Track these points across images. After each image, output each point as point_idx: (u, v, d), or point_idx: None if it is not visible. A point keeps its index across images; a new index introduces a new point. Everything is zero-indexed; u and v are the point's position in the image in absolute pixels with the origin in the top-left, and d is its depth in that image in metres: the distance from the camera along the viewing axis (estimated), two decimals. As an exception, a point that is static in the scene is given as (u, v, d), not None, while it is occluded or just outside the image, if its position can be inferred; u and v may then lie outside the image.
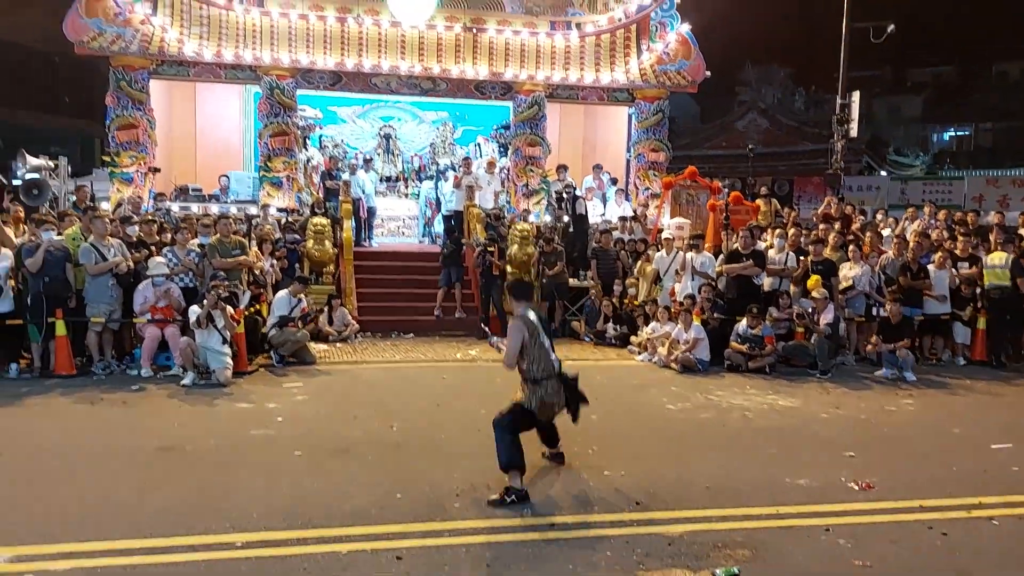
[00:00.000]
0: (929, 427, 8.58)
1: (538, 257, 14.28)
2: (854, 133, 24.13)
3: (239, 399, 9.11)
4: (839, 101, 23.46)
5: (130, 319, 10.61)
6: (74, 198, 14.17)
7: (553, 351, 6.37)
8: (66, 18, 15.55)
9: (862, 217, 15.93)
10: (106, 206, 14.78)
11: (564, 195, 15.84)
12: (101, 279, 10.29)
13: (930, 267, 12.48)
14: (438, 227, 18.17)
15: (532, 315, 6.36)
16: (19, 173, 14.25)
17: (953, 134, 48.36)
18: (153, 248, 11.37)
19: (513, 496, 5.92)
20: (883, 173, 32.51)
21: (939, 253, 12.63)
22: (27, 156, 14.14)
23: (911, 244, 12.83)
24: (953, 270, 12.55)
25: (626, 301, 13.96)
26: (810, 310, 11.72)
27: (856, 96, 23.68)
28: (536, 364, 6.19)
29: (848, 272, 12.53)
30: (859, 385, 10.67)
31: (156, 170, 16.13)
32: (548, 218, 17.00)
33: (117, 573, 4.75)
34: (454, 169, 18.96)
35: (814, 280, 11.83)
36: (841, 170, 23.66)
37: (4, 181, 14.39)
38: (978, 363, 12.27)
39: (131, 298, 10.52)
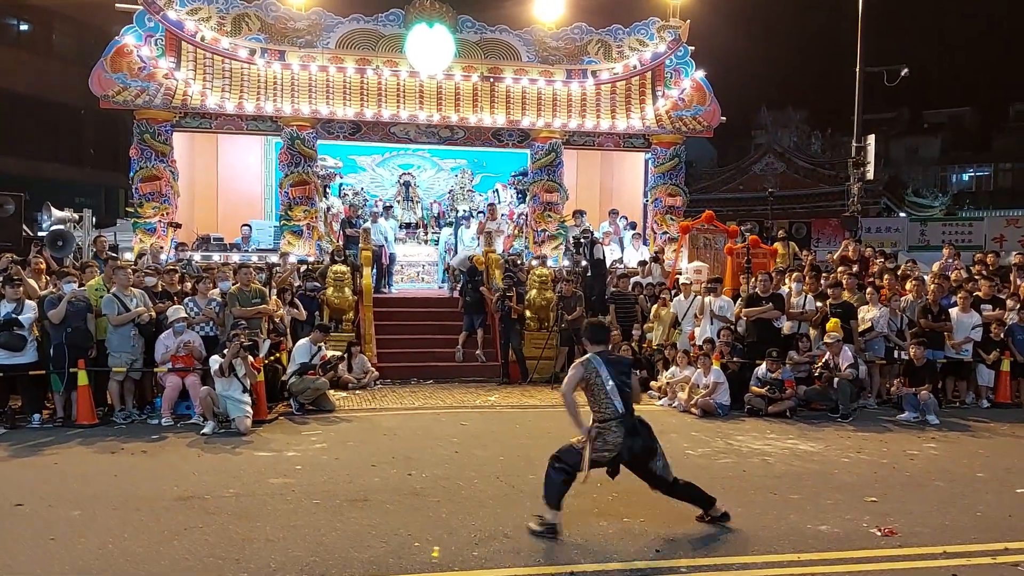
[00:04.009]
0: (953, 471, 8.44)
1: (557, 302, 14.31)
2: (870, 175, 24.14)
3: (259, 448, 9.13)
4: (854, 144, 23.52)
5: (151, 369, 10.71)
6: (94, 249, 14.41)
7: (621, 396, 6.32)
8: (92, 73, 15.97)
9: (881, 260, 15.88)
10: (129, 256, 15.00)
11: (582, 240, 15.91)
12: (123, 329, 10.41)
13: (952, 311, 12.39)
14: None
15: (601, 361, 6.38)
16: (44, 225, 14.55)
17: (972, 174, 48.29)
18: (175, 298, 11.51)
19: (545, 528, 6.16)
20: (902, 215, 32.44)
21: (960, 294, 12.52)
22: (52, 208, 14.44)
23: (931, 286, 12.76)
24: (976, 312, 12.43)
25: (645, 346, 13.93)
26: (827, 355, 11.65)
27: (871, 139, 23.72)
28: (597, 404, 6.32)
29: (866, 314, 12.46)
30: (881, 429, 10.55)
31: (177, 225, 16.38)
32: (566, 263, 17.07)
33: (135, 624, 4.75)
34: (471, 215, 19.14)
35: (833, 323, 11.77)
36: (858, 212, 23.63)
37: (30, 233, 14.67)
38: (1002, 406, 12.11)
39: (153, 348, 10.63)
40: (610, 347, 6.63)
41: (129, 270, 11.14)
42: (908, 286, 13.20)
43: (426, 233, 20.58)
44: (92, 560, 5.67)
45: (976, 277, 13.56)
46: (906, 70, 24.11)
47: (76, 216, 15.10)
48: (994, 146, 47.26)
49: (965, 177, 48.33)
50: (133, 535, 6.15)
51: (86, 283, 10.89)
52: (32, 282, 10.79)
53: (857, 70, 23.19)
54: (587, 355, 6.48)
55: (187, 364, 10.48)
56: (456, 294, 15.95)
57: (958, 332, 12.23)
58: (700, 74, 18.20)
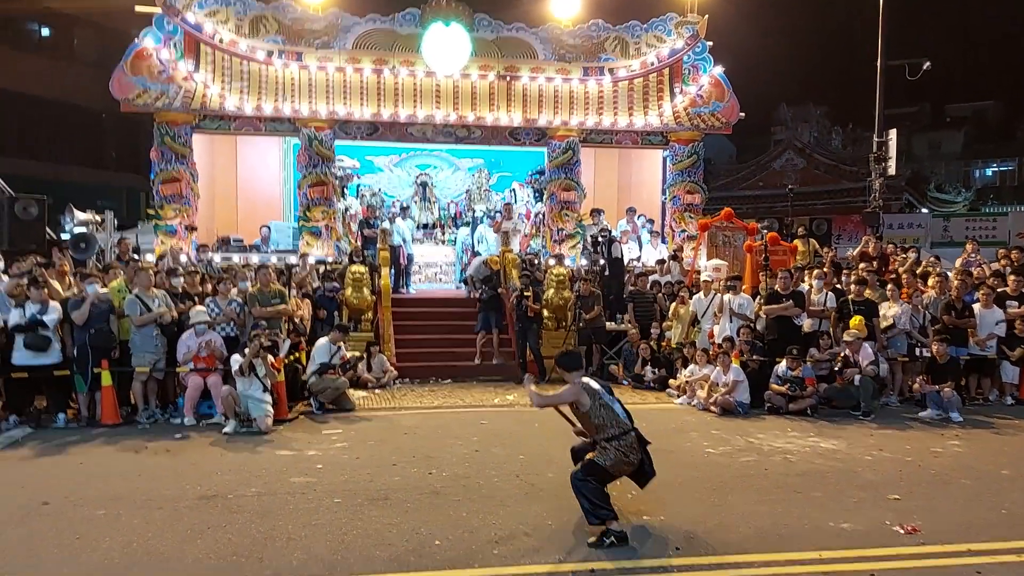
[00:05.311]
0: (977, 469, 8.36)
1: (575, 301, 14.28)
2: (892, 171, 23.91)
3: (280, 446, 9.19)
4: (876, 139, 23.30)
5: (174, 369, 10.80)
6: (117, 250, 14.53)
7: (624, 409, 6.28)
8: (112, 77, 16.12)
9: (904, 255, 15.75)
10: (150, 258, 15.13)
11: (599, 239, 15.88)
12: (146, 330, 10.51)
13: (975, 307, 12.26)
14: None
15: (591, 381, 6.31)
16: (67, 227, 14.70)
17: (996, 169, 47.76)
18: (196, 299, 11.59)
19: (612, 538, 5.90)
20: (924, 210, 32.13)
21: (983, 290, 12.39)
22: (75, 211, 14.58)
23: (954, 282, 12.63)
24: (998, 308, 12.29)
25: (663, 344, 13.89)
26: (846, 353, 11.55)
27: (893, 134, 23.47)
28: (606, 425, 6.12)
29: (888, 311, 12.37)
30: (903, 426, 10.46)
31: (193, 228, 16.50)
32: (584, 262, 17.04)
33: (159, 622, 4.79)
34: (492, 216, 19.15)
35: (856, 320, 11.68)
36: (880, 208, 23.41)
37: (53, 236, 14.81)
38: (1027, 403, 12.00)
39: (175, 348, 10.72)
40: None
41: (151, 271, 11.23)
42: (931, 282, 13.07)
43: (443, 233, 20.58)
44: (117, 558, 5.73)
45: (1001, 272, 13.40)
46: (928, 64, 23.86)
47: (98, 218, 15.23)
48: (1018, 140, 46.71)
49: (988, 172, 47.81)
50: (157, 534, 6.21)
51: (109, 285, 10.99)
52: (56, 283, 10.91)
53: (878, 64, 22.96)
54: (580, 381, 6.26)
55: (209, 364, 10.55)
56: (473, 294, 15.93)
57: (981, 328, 12.11)
58: (718, 70, 18.09)
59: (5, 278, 10.95)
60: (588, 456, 6.21)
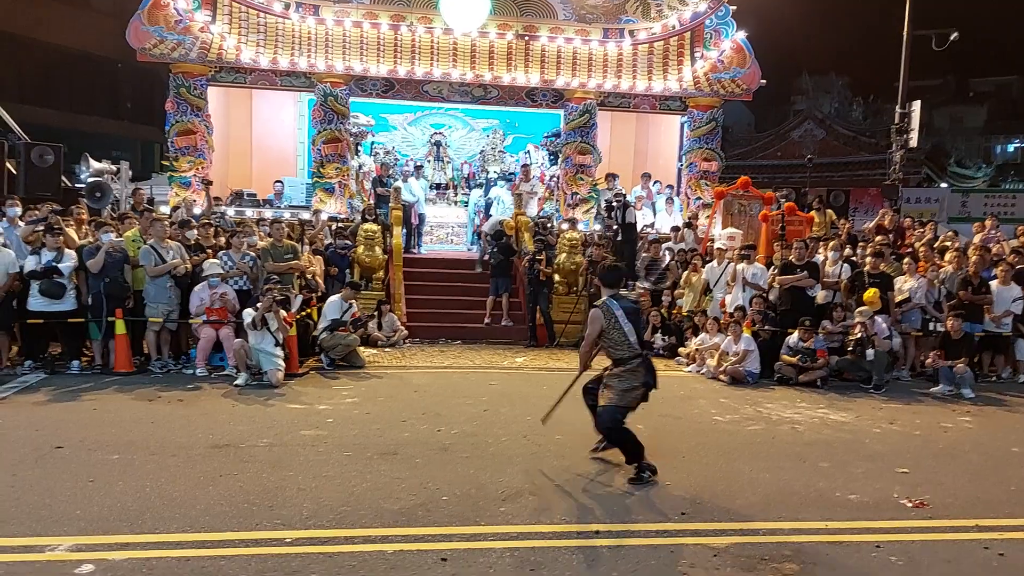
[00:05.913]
0: (987, 445, 8.34)
1: (587, 266, 14.24)
2: (914, 143, 23.46)
3: (290, 400, 9.25)
4: (899, 110, 22.92)
5: (187, 320, 10.85)
6: (132, 201, 14.54)
7: (637, 334, 6.75)
8: (129, 26, 16.03)
9: (921, 229, 15.60)
10: (165, 209, 15.14)
11: (614, 204, 15.77)
12: (160, 280, 10.55)
13: (992, 283, 12.15)
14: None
15: (616, 303, 6.70)
16: (83, 176, 14.71)
17: (1018, 145, 47.13)
18: (209, 251, 11.61)
19: (646, 472, 6.59)
20: (943, 185, 31.78)
21: (1001, 267, 12.26)
22: (90, 160, 14.57)
23: (972, 258, 12.51)
24: (1016, 285, 12.17)
25: (674, 312, 13.85)
26: (859, 326, 11.49)
27: (917, 105, 23.05)
28: (615, 347, 6.68)
29: (903, 285, 12.28)
30: (914, 401, 10.45)
31: (209, 182, 16.47)
32: (597, 226, 16.96)
33: (171, 565, 4.85)
34: (505, 178, 19.04)
35: (872, 293, 11.61)
36: (899, 181, 23.12)
37: (68, 184, 14.82)
38: (1040, 381, 11.94)
39: (188, 299, 10.76)
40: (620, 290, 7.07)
41: (166, 222, 11.24)
42: (948, 257, 12.95)
43: (456, 194, 20.52)
44: (130, 502, 5.80)
45: (1020, 249, 13.27)
46: (956, 34, 23.39)
47: (114, 168, 15.23)
48: (1041, 116, 46.12)
49: (1010, 148, 47.20)
50: (169, 480, 6.28)
51: (124, 234, 11.02)
52: (71, 231, 10.94)
53: (904, 32, 22.52)
54: (602, 299, 6.80)
55: (221, 316, 10.60)
56: (483, 252, 15.90)
57: (998, 305, 11.99)
58: (741, 35, 17.79)
59: (21, 224, 10.99)
60: (601, 405, 6.76)
